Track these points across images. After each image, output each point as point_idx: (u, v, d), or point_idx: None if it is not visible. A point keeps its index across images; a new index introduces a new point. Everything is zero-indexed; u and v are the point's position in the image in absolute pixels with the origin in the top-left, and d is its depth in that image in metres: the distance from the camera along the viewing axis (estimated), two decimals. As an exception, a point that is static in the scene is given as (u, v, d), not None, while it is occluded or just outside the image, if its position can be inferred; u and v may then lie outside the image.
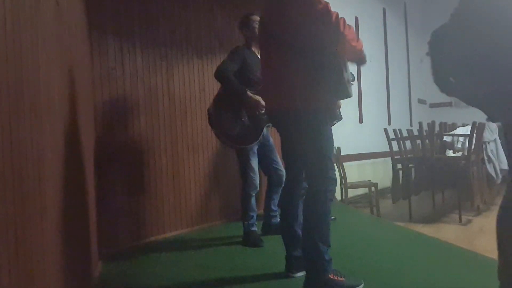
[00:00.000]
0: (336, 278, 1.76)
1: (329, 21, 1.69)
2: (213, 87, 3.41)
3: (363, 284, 1.82)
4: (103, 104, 2.72)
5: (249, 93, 2.53)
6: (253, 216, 2.74)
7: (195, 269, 2.26)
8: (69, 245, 1.38)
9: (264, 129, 2.69)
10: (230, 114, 2.59)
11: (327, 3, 1.71)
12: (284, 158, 2.08)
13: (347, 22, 1.75)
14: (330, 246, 1.79)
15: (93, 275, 2.05)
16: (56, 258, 1.18)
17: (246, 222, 2.73)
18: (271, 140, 2.90)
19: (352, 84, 2.71)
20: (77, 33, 1.96)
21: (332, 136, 1.90)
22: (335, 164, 4.62)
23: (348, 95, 1.83)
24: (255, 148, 2.74)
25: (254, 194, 2.76)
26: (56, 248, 1.19)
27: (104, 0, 2.74)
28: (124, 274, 2.24)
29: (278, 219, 2.81)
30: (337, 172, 4.47)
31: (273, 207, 2.91)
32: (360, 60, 2.01)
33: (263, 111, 2.51)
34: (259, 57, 2.72)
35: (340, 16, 1.72)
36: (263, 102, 2.50)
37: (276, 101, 1.88)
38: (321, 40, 1.76)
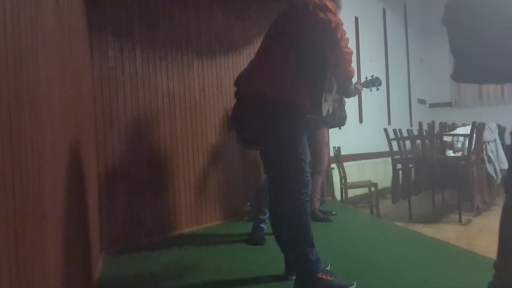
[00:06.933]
0: (325, 277, 1.78)
1: (328, 27, 1.67)
2: (213, 87, 3.42)
3: (355, 284, 1.83)
4: (103, 104, 2.72)
5: None
6: (266, 212, 2.79)
7: (195, 269, 2.26)
8: (69, 245, 1.38)
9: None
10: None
11: (338, 20, 1.69)
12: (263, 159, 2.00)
13: (347, 23, 1.76)
14: (314, 245, 1.80)
15: (94, 275, 2.05)
16: (56, 258, 1.18)
17: (259, 217, 2.80)
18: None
19: (378, 89, 2.81)
20: (77, 33, 1.96)
21: (307, 143, 1.86)
22: (335, 164, 4.59)
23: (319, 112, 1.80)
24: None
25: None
26: (56, 248, 1.19)
27: (104, 0, 2.74)
28: (124, 274, 2.24)
29: None
30: (337, 172, 4.51)
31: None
32: (345, 88, 1.93)
33: None
34: None
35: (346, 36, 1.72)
36: None
37: (254, 83, 1.83)
38: (320, 42, 1.74)
